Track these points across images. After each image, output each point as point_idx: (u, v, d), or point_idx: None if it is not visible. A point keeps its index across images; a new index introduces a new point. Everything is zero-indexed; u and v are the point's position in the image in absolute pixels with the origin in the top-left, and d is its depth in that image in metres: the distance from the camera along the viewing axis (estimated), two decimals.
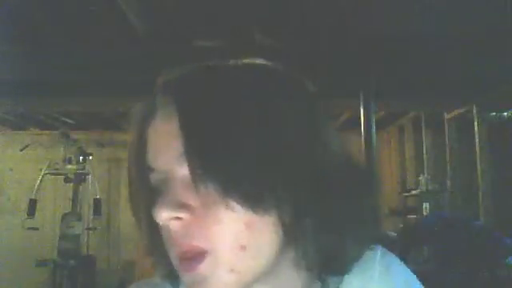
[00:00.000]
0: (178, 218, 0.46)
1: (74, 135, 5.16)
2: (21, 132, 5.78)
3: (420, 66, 3.66)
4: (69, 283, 4.50)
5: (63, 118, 5.25)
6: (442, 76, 3.86)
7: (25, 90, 3.99)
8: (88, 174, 5.07)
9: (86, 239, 4.96)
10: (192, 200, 0.46)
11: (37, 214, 4.82)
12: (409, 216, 4.95)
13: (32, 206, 4.78)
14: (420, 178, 4.71)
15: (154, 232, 0.51)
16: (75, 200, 5.02)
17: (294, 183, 0.47)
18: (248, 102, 0.48)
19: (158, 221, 0.46)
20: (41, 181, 4.94)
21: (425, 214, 4.52)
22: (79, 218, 4.82)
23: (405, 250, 2.98)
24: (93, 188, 5.03)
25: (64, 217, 4.81)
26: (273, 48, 3.23)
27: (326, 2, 2.84)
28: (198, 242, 0.45)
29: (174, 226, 0.46)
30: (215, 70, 0.52)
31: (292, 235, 0.48)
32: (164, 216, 0.45)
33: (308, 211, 0.48)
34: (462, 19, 2.99)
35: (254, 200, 0.45)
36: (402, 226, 4.74)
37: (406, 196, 5.21)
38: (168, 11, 2.99)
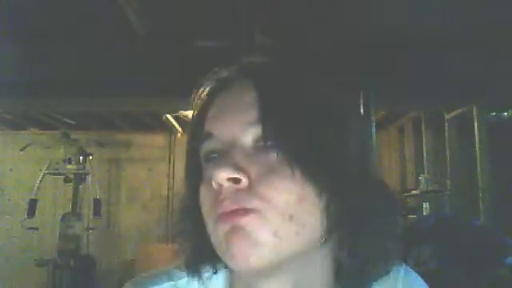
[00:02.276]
0: (236, 180, 0.47)
1: (74, 135, 5.16)
2: (21, 132, 5.77)
3: (420, 66, 3.66)
4: (69, 283, 4.50)
5: (63, 118, 5.24)
6: (442, 76, 3.86)
7: (25, 90, 3.99)
8: (88, 174, 5.07)
9: (85, 239, 4.96)
10: (251, 167, 0.48)
11: (37, 213, 4.82)
12: (409, 216, 4.94)
13: (32, 206, 4.78)
14: (420, 177, 4.71)
15: (194, 207, 0.52)
16: (75, 200, 5.01)
17: (347, 178, 0.49)
18: (316, 91, 0.52)
19: (214, 181, 0.47)
20: (41, 181, 4.93)
21: (425, 213, 4.52)
22: (79, 218, 4.82)
23: (405, 249, 2.98)
24: (93, 188, 5.03)
25: (64, 217, 4.80)
26: (273, 48, 3.23)
27: (326, 2, 2.84)
28: (250, 204, 0.46)
29: (229, 187, 0.47)
30: (290, 64, 0.56)
31: (333, 227, 0.49)
32: (222, 175, 0.46)
33: (355, 211, 0.49)
34: (462, 19, 2.99)
35: (312, 173, 0.47)
36: (402, 226, 4.73)
37: (406, 196, 5.21)
38: (168, 11, 2.99)
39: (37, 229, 4.81)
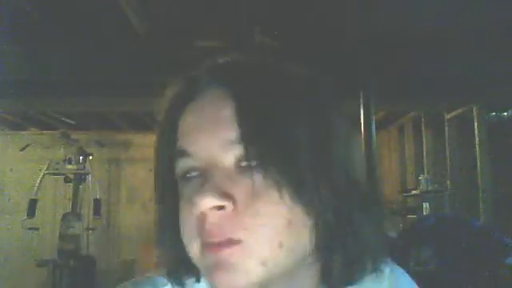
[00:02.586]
0: (220, 208, 0.44)
1: (74, 135, 5.16)
2: (21, 132, 5.77)
3: (420, 66, 3.66)
4: (69, 283, 4.50)
5: (63, 118, 5.24)
6: (442, 76, 3.86)
7: (25, 90, 3.99)
8: (88, 174, 5.07)
9: (85, 239, 4.96)
10: (235, 191, 0.45)
11: (37, 213, 4.82)
12: (409, 216, 4.94)
13: (32, 206, 4.78)
14: (420, 177, 4.71)
15: (171, 222, 0.50)
16: (75, 200, 5.01)
17: (336, 190, 0.47)
18: (302, 102, 0.48)
19: (196, 208, 0.44)
20: (41, 181, 4.94)
21: (425, 213, 4.52)
22: (79, 218, 4.82)
23: (405, 250, 2.98)
24: (93, 188, 5.03)
25: (64, 217, 4.81)
26: (273, 48, 3.23)
27: (326, 2, 2.84)
28: (235, 235, 0.44)
29: (213, 215, 0.44)
30: (266, 65, 0.51)
31: (325, 241, 0.48)
32: (206, 204, 0.43)
33: (343, 220, 0.48)
34: (462, 19, 2.99)
35: (302, 194, 0.45)
36: (402, 226, 4.74)
37: (406, 196, 5.21)
38: (168, 11, 2.99)
39: (37, 229, 4.81)
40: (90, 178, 5.08)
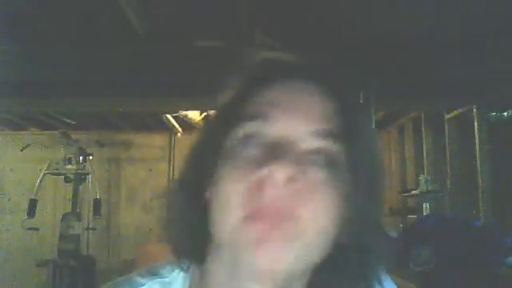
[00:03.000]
0: (293, 180, 0.44)
1: (74, 135, 5.16)
2: (21, 132, 5.77)
3: (420, 66, 3.66)
4: (69, 283, 4.50)
5: (63, 118, 5.24)
6: (441, 76, 3.86)
7: (25, 90, 3.99)
8: (88, 174, 5.07)
9: (86, 239, 4.96)
10: (306, 173, 0.46)
11: (37, 213, 4.82)
12: (409, 216, 4.94)
13: (32, 206, 4.78)
14: (420, 177, 4.70)
15: (198, 201, 0.50)
16: (75, 200, 5.01)
17: (371, 206, 0.51)
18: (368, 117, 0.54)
19: (269, 175, 0.44)
20: (41, 181, 4.93)
21: (425, 213, 4.52)
22: (79, 218, 4.81)
23: (405, 250, 2.98)
24: (93, 188, 5.03)
25: (64, 217, 4.80)
26: (273, 48, 3.23)
27: (326, 2, 2.84)
28: (295, 210, 0.45)
29: (280, 187, 0.44)
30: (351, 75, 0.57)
31: (345, 238, 0.50)
32: (285, 172, 0.43)
33: (365, 222, 0.51)
34: (462, 19, 2.99)
35: (355, 199, 0.49)
36: (401, 226, 4.73)
37: (406, 196, 5.20)
38: (168, 11, 2.99)
39: (37, 229, 4.81)
40: (90, 178, 5.08)
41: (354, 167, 0.48)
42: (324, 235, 0.47)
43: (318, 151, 0.47)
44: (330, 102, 0.50)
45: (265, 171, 0.44)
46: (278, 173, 0.43)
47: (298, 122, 0.47)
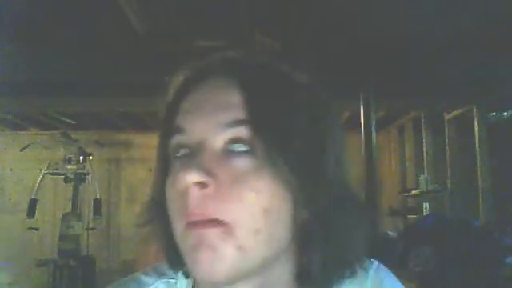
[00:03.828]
0: (203, 185, 0.45)
1: (74, 135, 5.16)
2: (21, 132, 5.78)
3: (420, 66, 3.66)
4: (69, 283, 4.50)
5: (63, 118, 5.24)
6: (442, 76, 3.86)
7: (25, 90, 3.99)
8: (88, 174, 5.07)
9: (86, 239, 4.96)
10: (220, 173, 0.46)
11: (37, 214, 4.82)
12: (409, 216, 4.95)
13: (32, 206, 4.78)
14: (420, 177, 4.71)
15: (160, 200, 0.51)
16: (75, 200, 5.01)
17: (321, 187, 0.49)
18: (302, 105, 0.50)
19: (179, 183, 0.45)
20: (41, 181, 4.94)
21: (425, 213, 4.52)
22: (79, 218, 4.82)
23: (405, 250, 2.98)
24: (93, 188, 5.03)
25: (64, 217, 4.81)
26: (273, 48, 3.23)
27: (326, 2, 2.84)
28: (215, 214, 0.45)
29: (195, 192, 0.45)
30: (270, 62, 0.54)
31: (299, 235, 0.49)
32: (191, 178, 0.45)
33: (318, 218, 0.49)
34: (462, 19, 2.99)
35: (286, 184, 0.46)
36: (401, 225, 4.74)
37: (406, 196, 5.21)
38: (168, 11, 2.99)
39: (37, 229, 4.81)
40: (90, 178, 5.08)
41: (275, 149, 0.46)
42: (258, 232, 0.45)
43: (231, 141, 0.47)
44: (240, 93, 0.48)
45: (179, 182, 0.45)
46: (185, 180, 0.45)
47: (207, 122, 0.48)
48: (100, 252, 5.26)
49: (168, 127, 0.52)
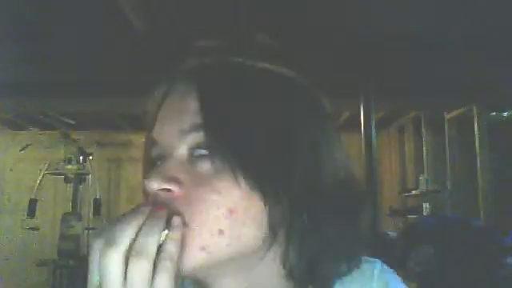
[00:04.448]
0: (168, 190, 0.47)
1: (74, 135, 5.16)
2: (21, 132, 5.78)
3: (420, 65, 3.66)
4: (69, 283, 4.50)
5: (63, 118, 5.24)
6: (442, 76, 3.86)
7: (25, 90, 3.99)
8: (88, 174, 5.07)
9: (86, 239, 4.96)
10: (184, 177, 0.48)
11: (37, 214, 4.82)
12: (409, 216, 4.95)
13: (32, 206, 4.78)
14: (420, 178, 4.71)
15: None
16: (75, 200, 5.02)
17: (292, 182, 0.48)
18: (263, 99, 0.51)
19: (147, 190, 0.48)
20: (41, 181, 4.94)
21: (425, 213, 4.52)
22: (79, 218, 4.81)
23: (405, 250, 2.98)
24: (93, 188, 5.03)
25: (64, 217, 4.80)
26: (273, 48, 3.23)
27: (326, 2, 2.84)
28: (178, 214, 0.46)
29: (161, 194, 0.47)
30: (235, 64, 0.55)
31: (276, 233, 0.48)
32: (154, 185, 0.47)
33: (298, 214, 0.48)
34: (462, 19, 2.99)
35: (250, 183, 0.46)
36: (401, 225, 4.74)
37: (406, 196, 5.21)
38: (168, 11, 2.99)
39: (37, 229, 4.81)
40: (89, 178, 5.08)
41: (233, 150, 0.47)
42: (221, 233, 0.46)
43: (193, 147, 0.49)
44: (196, 98, 0.49)
45: (145, 190, 0.48)
46: (148, 187, 0.47)
47: (171, 130, 0.50)
48: None
49: (148, 141, 0.54)
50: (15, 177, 5.68)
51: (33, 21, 3.04)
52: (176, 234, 0.44)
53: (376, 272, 0.56)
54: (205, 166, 0.48)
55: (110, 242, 0.41)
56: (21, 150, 5.22)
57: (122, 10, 2.84)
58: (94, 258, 0.44)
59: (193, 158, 0.49)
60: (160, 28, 3.20)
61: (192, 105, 0.49)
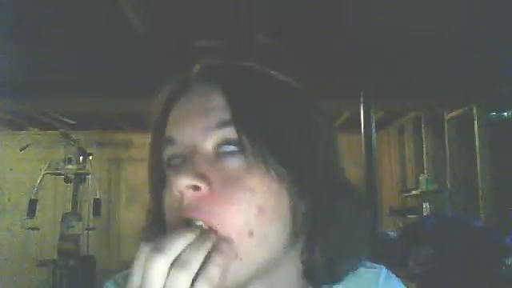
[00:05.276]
0: (196, 188, 0.46)
1: (74, 135, 5.16)
2: (21, 132, 5.77)
3: (420, 65, 3.66)
4: (69, 283, 4.50)
5: (63, 118, 5.24)
6: (442, 76, 3.86)
7: (25, 90, 3.99)
8: (88, 174, 5.07)
9: (86, 239, 4.96)
10: (212, 175, 0.46)
11: (37, 214, 4.82)
12: (409, 216, 4.94)
13: (32, 205, 4.78)
14: (420, 178, 4.71)
15: (158, 211, 0.52)
16: (75, 200, 5.01)
17: (316, 178, 0.49)
18: (285, 99, 0.52)
19: (174, 188, 0.46)
20: (41, 181, 4.93)
21: (425, 214, 4.52)
22: (79, 218, 4.81)
23: (405, 250, 2.98)
24: (93, 188, 5.03)
25: (64, 217, 4.80)
26: (273, 48, 3.23)
27: (326, 2, 2.84)
28: (209, 217, 0.45)
29: (190, 195, 0.46)
30: (249, 67, 0.55)
31: (300, 231, 0.49)
32: (183, 182, 0.45)
33: (321, 211, 0.49)
34: (462, 19, 2.99)
35: (277, 180, 0.46)
36: (401, 225, 4.73)
37: (406, 196, 5.21)
38: (168, 11, 2.99)
39: (37, 229, 4.81)
40: (89, 178, 5.08)
41: (264, 145, 0.47)
42: (251, 235, 0.45)
43: (220, 143, 0.48)
44: (222, 96, 0.49)
45: (172, 188, 0.46)
46: (178, 185, 0.45)
47: (194, 128, 0.49)
48: (100, 252, 5.25)
49: (158, 141, 0.53)
50: (15, 177, 5.67)
51: (33, 21, 3.04)
52: (221, 259, 0.43)
53: (381, 280, 0.56)
54: (235, 163, 0.47)
55: (159, 249, 0.42)
56: (21, 150, 5.22)
57: (122, 10, 2.84)
58: (140, 261, 0.44)
59: (219, 154, 0.48)
60: (160, 28, 3.20)
61: (217, 102, 0.49)
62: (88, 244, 4.99)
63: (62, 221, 4.75)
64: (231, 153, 0.47)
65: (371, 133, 3.82)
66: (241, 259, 0.45)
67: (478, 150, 4.16)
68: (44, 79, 3.89)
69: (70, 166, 4.97)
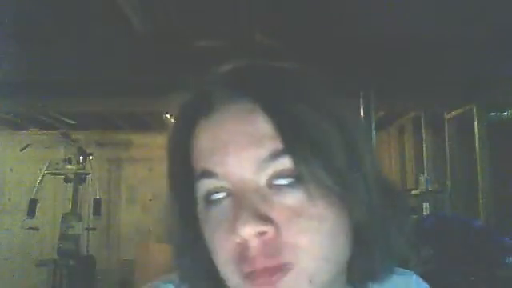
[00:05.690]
0: (262, 233, 0.42)
1: (74, 135, 5.16)
2: (21, 132, 5.77)
3: (420, 66, 3.66)
4: (69, 283, 4.50)
5: (63, 118, 5.24)
6: (442, 76, 3.86)
7: (25, 90, 3.99)
8: (88, 174, 5.07)
9: (86, 239, 4.96)
10: (273, 213, 0.42)
11: (37, 214, 4.82)
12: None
13: (32, 206, 4.78)
14: (420, 178, 4.71)
15: (192, 245, 0.48)
16: (75, 200, 5.01)
17: (369, 189, 0.46)
18: (327, 110, 0.46)
19: (238, 236, 0.41)
20: (41, 181, 4.93)
21: (425, 213, 4.52)
22: (79, 218, 4.82)
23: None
24: (93, 188, 5.03)
25: (64, 217, 4.80)
26: (273, 48, 3.23)
27: (326, 3, 2.84)
28: (283, 257, 0.42)
29: (255, 242, 0.42)
30: (280, 69, 0.49)
31: (361, 240, 0.47)
32: (248, 231, 0.41)
33: (376, 219, 0.47)
34: (462, 19, 2.99)
35: (342, 205, 0.44)
36: None
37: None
38: (168, 11, 2.99)
39: (37, 229, 4.81)
40: (89, 178, 5.08)
41: (321, 171, 0.42)
42: (327, 261, 0.43)
43: (275, 176, 0.43)
44: (265, 118, 0.43)
45: (235, 238, 0.42)
46: (244, 233, 0.41)
47: (241, 161, 0.43)
48: (100, 252, 5.26)
49: (182, 170, 0.47)
50: (15, 177, 5.67)
51: (33, 21, 3.04)
52: None
53: (413, 286, 0.56)
54: (293, 196, 0.43)
55: None
56: (21, 150, 5.22)
57: (122, 10, 2.84)
58: None
59: (274, 188, 0.43)
60: (160, 28, 3.20)
61: (263, 127, 0.43)
62: (88, 244, 4.99)
63: (61, 221, 4.76)
64: (290, 185, 0.43)
65: (371, 133, 3.82)
66: (315, 284, 0.43)
67: (478, 150, 4.16)
68: (44, 79, 3.89)
69: (69, 166, 4.98)
